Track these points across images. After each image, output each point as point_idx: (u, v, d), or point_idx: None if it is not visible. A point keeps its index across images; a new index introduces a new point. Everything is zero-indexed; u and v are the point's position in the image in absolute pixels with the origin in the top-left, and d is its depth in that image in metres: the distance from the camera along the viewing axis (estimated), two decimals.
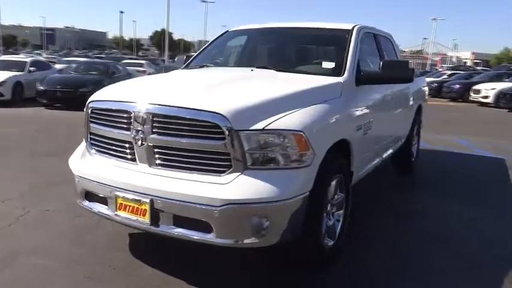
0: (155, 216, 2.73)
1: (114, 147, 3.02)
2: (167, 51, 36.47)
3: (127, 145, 2.93)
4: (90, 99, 3.19)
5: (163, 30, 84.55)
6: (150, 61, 27.42)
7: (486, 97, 19.65)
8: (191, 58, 4.64)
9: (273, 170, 2.65)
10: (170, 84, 3.40)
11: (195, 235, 2.69)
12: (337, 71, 3.66)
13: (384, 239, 3.83)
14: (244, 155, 2.59)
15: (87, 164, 3.14)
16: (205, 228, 2.64)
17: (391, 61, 3.89)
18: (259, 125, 2.62)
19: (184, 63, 4.64)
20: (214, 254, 3.28)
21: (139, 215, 2.78)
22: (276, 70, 3.72)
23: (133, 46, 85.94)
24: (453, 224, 4.28)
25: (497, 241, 3.89)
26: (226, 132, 2.56)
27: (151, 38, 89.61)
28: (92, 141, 3.20)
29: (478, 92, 20.27)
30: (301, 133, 2.65)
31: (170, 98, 2.79)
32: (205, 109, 2.63)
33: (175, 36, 71.33)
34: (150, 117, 2.75)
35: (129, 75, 16.21)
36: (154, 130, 2.76)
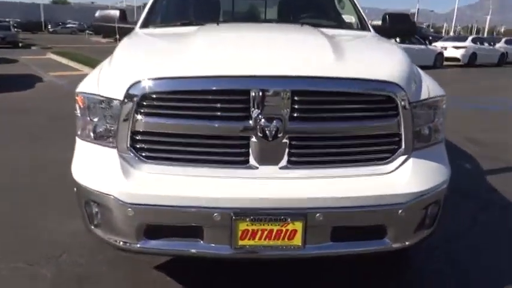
0: (306, 235, 1.94)
1: (202, 149, 1.96)
2: None
3: (234, 142, 1.94)
4: (132, 80, 1.94)
5: None
6: None
7: None
8: (145, 14, 3.36)
9: (433, 146, 2.21)
10: (265, 46, 2.33)
11: (363, 247, 2.05)
12: (362, 26, 3.31)
13: None
14: (414, 133, 2.06)
15: (147, 183, 1.95)
16: (376, 234, 2.03)
17: (395, 14, 3.70)
18: (423, 94, 2.12)
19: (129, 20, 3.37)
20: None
21: (284, 239, 1.92)
22: (313, 26, 3.04)
23: None
24: None
25: None
26: (402, 106, 1.97)
27: None
28: (140, 146, 1.99)
29: None
30: (445, 97, 2.27)
31: (314, 67, 1.95)
32: (377, 78, 1.95)
33: None
34: (288, 97, 1.86)
35: None
36: (295, 115, 1.89)
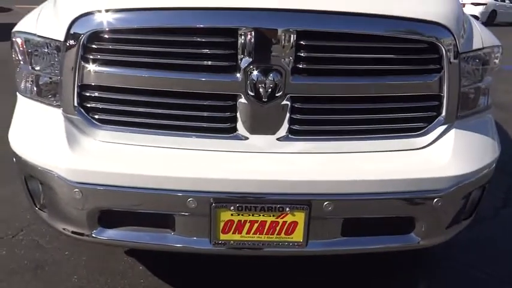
0: (310, 229, 1.46)
1: (172, 112, 1.46)
2: None
3: (215, 103, 1.43)
4: (76, 13, 1.41)
5: None
6: None
7: None
8: None
9: (480, 114, 1.69)
10: None
11: (382, 243, 1.58)
12: None
13: None
14: (460, 95, 1.54)
15: (100, 156, 1.46)
16: (400, 228, 1.56)
17: None
18: (476, 43, 1.57)
19: None
20: None
21: (280, 234, 1.45)
22: None
23: None
24: None
25: None
26: (447, 58, 1.44)
27: None
28: (91, 105, 1.49)
29: None
30: (501, 49, 1.72)
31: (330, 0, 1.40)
32: (416, 17, 1.41)
33: None
34: (293, 40, 1.33)
35: None
36: (301, 66, 1.37)
